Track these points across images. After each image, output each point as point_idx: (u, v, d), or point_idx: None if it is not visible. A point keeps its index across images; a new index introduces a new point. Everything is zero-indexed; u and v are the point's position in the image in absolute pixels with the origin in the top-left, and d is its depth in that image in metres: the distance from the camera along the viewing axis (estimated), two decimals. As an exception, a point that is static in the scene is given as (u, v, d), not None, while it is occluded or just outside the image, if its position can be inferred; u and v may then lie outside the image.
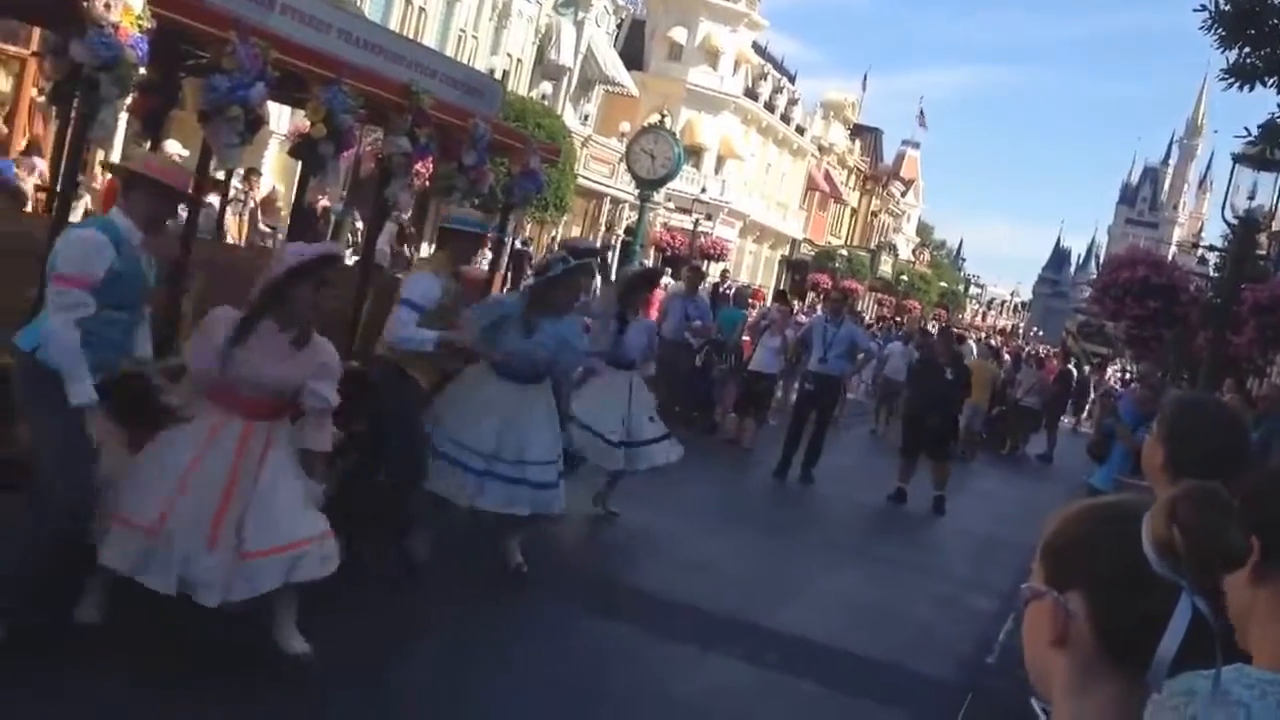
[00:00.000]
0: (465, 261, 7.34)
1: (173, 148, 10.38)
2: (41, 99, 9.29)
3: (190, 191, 5.25)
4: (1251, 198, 17.00)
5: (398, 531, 6.93)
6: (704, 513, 10.83)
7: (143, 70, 5.18)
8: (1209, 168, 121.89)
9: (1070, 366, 29.67)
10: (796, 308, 26.81)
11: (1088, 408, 30.46)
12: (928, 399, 13.97)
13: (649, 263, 34.59)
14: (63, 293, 4.64)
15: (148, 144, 7.05)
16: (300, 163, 6.74)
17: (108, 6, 4.94)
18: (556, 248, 9.65)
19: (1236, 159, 17.03)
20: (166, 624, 5.17)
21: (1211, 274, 28.54)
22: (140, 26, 5.04)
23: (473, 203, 8.29)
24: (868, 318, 46.41)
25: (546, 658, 6.36)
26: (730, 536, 10.08)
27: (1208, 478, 2.46)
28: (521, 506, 7.09)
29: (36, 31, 10.31)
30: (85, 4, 4.93)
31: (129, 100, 5.43)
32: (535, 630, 6.75)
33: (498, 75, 28.79)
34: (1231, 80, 13.47)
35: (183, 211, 5.96)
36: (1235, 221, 17.14)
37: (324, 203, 15.54)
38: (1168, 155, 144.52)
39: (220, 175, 8.30)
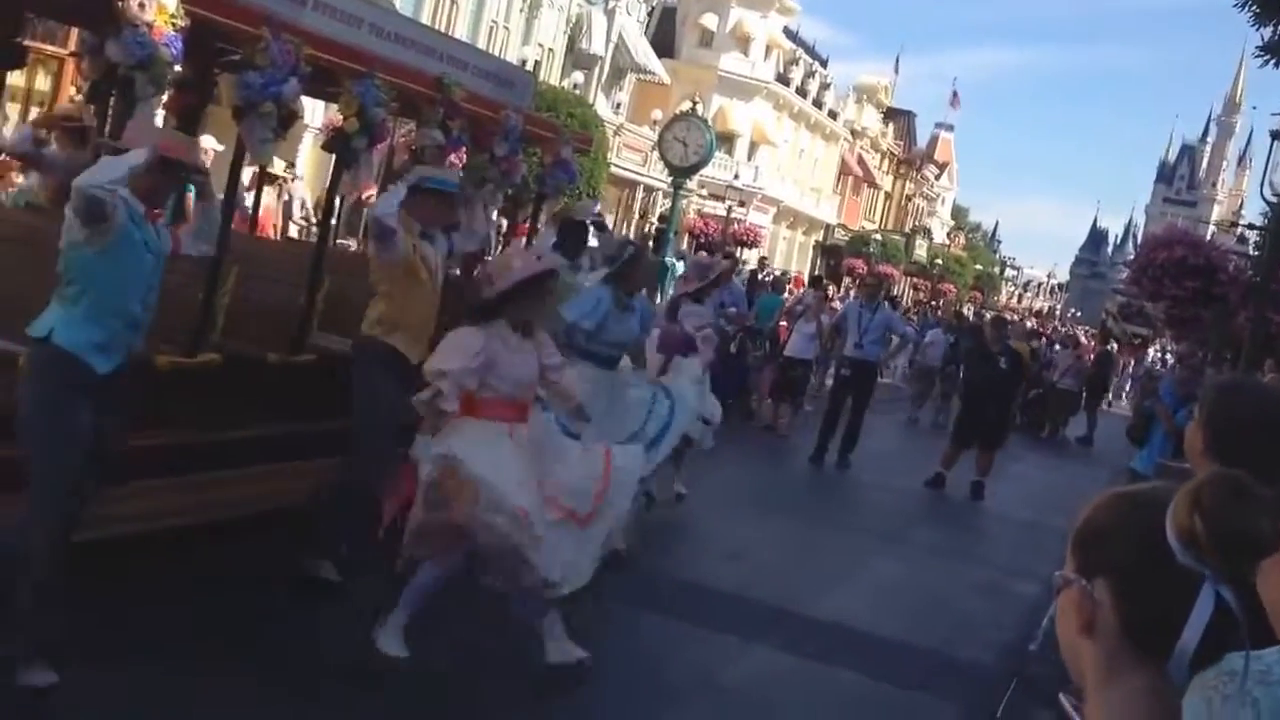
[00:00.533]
0: (428, 222, 6.52)
1: (208, 143, 10.45)
2: (80, 98, 9.41)
3: (194, 163, 5.07)
4: (1291, 174, 16.83)
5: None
6: (740, 500, 10.82)
7: (177, 68, 5.21)
8: (1248, 144, 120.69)
9: (1109, 348, 29.45)
10: (832, 293, 26.73)
11: (1112, 388, 30.02)
12: (985, 390, 13.88)
13: (684, 250, 34.56)
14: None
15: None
16: (334, 156, 6.77)
17: (142, 6, 4.98)
18: (552, 219, 9.38)
19: (1276, 135, 16.88)
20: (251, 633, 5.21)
21: (1251, 252, 28.20)
22: (174, 25, 5.07)
23: (506, 193, 8.30)
24: (905, 302, 46.19)
25: (590, 650, 6.37)
26: (767, 524, 10.06)
27: (1250, 461, 2.38)
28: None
29: (75, 32, 10.41)
30: (120, 4, 4.96)
31: (165, 98, 5.46)
32: (576, 622, 6.76)
33: (529, 65, 28.81)
34: (1267, 57, 13.33)
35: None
36: (1275, 199, 16.98)
37: (370, 195, 15.64)
38: (1206, 133, 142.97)
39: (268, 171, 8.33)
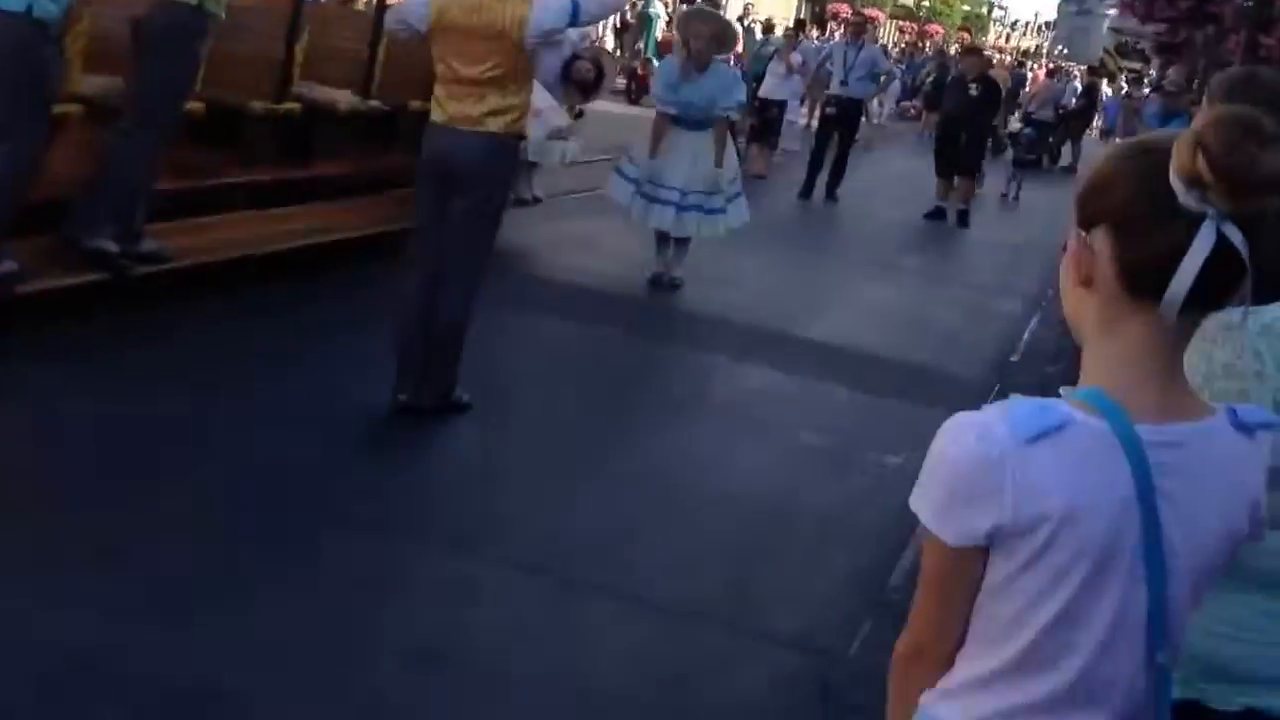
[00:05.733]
0: None
1: None
2: None
3: None
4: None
5: None
6: (730, 235, 10.80)
7: None
8: None
9: (1096, 79, 29.00)
10: (816, 35, 26.30)
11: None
12: (957, 117, 14.02)
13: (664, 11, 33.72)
14: None
15: None
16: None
17: None
18: None
19: None
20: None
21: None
22: None
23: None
24: (891, 45, 45.25)
25: (589, 370, 6.64)
26: (759, 254, 9.86)
27: None
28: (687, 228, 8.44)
29: None
30: None
31: None
32: (578, 346, 6.98)
33: None
34: None
35: None
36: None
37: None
38: None
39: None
